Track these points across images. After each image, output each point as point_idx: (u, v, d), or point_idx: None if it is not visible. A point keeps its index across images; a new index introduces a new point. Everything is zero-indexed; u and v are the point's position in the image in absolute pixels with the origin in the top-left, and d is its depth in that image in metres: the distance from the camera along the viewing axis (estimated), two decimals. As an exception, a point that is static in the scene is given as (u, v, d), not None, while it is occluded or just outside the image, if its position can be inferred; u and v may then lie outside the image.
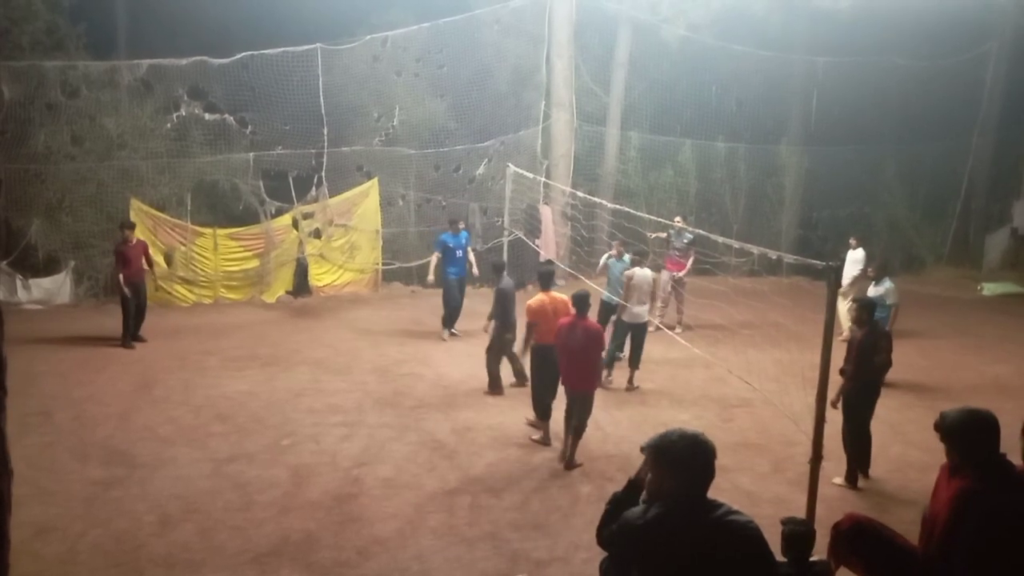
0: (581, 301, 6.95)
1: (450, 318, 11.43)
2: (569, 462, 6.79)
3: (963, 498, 3.33)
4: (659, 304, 11.36)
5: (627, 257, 9.78)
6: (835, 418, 7.56)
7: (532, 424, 7.65)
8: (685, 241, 11.80)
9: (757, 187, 18.24)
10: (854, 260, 11.75)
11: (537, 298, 7.72)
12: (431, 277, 11.77)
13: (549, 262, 11.65)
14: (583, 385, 6.89)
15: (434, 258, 11.62)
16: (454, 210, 14.68)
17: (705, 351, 9.25)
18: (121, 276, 10.59)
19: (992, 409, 3.49)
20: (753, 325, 9.05)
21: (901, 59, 17.63)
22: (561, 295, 7.83)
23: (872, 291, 9.77)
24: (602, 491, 6.20)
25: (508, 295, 9.07)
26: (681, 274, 11.82)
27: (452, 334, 11.44)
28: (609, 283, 10.10)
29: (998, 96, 18.85)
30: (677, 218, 12.01)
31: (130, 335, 10.66)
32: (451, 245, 11.38)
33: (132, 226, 11.14)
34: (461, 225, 11.88)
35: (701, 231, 10.65)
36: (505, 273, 9.53)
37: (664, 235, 12.00)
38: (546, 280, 8.09)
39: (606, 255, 10.63)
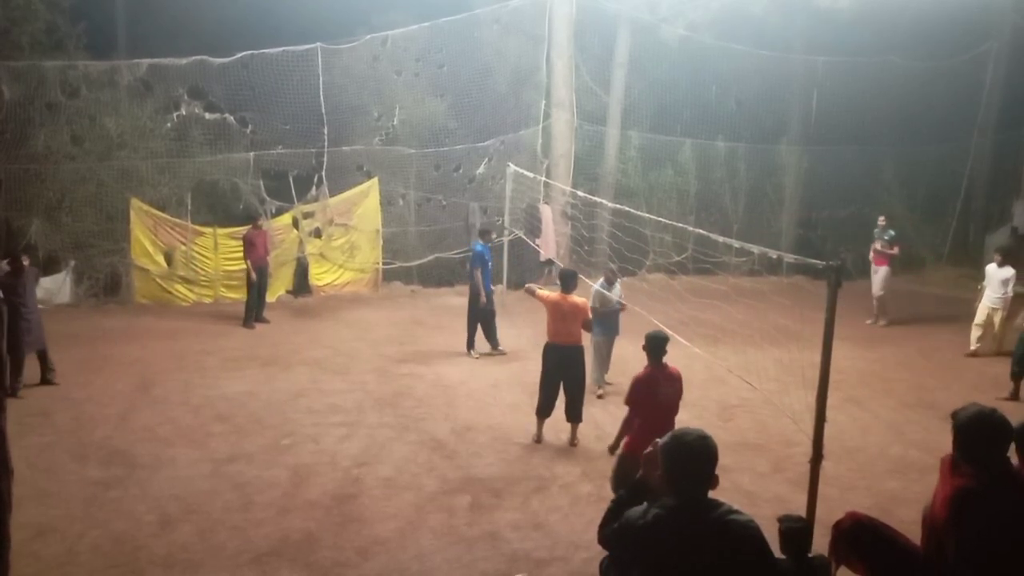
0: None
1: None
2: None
3: (960, 498, 3.31)
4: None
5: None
6: (834, 418, 7.57)
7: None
8: (886, 237, 13.27)
9: (757, 187, 18.22)
10: (1002, 279, 10.70)
11: (554, 295, 7.55)
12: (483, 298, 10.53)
13: (549, 261, 11.57)
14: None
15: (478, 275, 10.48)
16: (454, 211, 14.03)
17: (705, 351, 9.24)
18: (249, 260, 11.88)
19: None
20: (753, 325, 9.03)
21: (900, 59, 17.61)
22: (579, 298, 7.54)
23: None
24: (602, 491, 6.19)
25: None
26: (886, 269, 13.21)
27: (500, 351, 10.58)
28: None
29: (997, 96, 18.85)
30: (881, 218, 13.64)
31: (252, 317, 11.88)
32: (487, 258, 10.58)
33: (259, 216, 13.02)
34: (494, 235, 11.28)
35: (701, 231, 10.59)
36: None
37: (878, 245, 13.42)
38: (567, 281, 7.62)
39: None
